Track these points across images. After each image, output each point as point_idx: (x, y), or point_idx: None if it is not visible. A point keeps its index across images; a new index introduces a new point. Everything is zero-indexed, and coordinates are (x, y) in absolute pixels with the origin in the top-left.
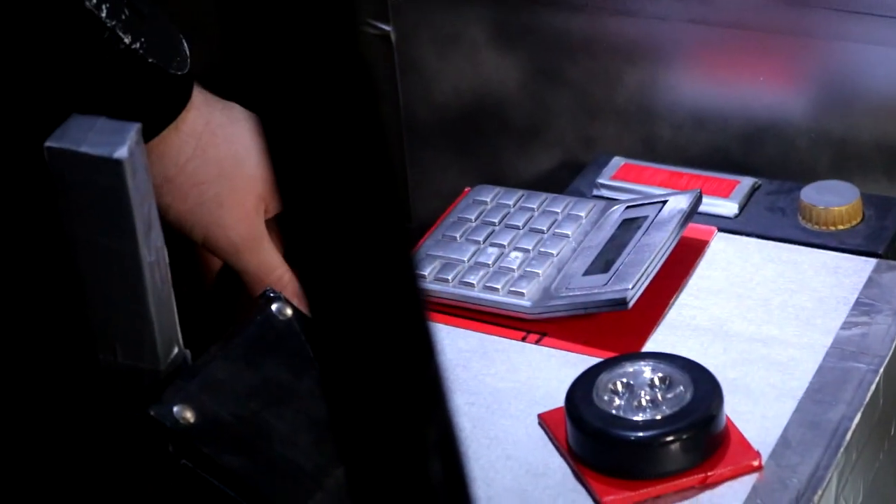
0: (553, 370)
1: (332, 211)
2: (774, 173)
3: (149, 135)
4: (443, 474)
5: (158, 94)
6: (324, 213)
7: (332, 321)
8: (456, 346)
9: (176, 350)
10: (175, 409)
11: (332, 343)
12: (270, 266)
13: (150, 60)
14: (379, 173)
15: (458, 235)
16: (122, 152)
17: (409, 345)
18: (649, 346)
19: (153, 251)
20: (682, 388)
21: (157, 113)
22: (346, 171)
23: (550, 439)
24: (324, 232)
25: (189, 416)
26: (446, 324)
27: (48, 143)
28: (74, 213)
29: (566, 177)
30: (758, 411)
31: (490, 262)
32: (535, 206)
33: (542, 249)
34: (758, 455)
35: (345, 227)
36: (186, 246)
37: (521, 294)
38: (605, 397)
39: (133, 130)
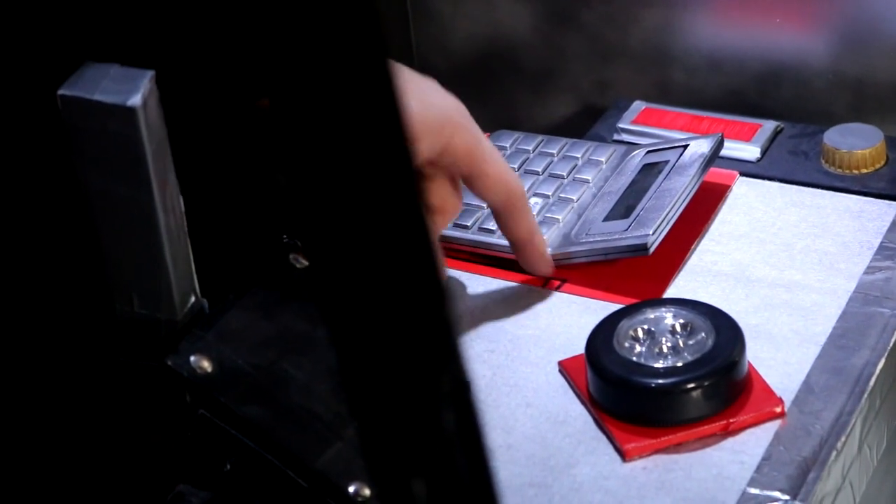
0: (574, 316)
1: (339, 156)
2: (791, 116)
3: None
4: (456, 425)
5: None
6: (330, 158)
7: (341, 270)
8: (476, 292)
9: (193, 299)
10: (192, 358)
11: (341, 293)
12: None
13: None
14: (386, 119)
15: None
16: (135, 100)
17: (420, 294)
18: (670, 291)
19: (169, 199)
20: (703, 334)
21: None
22: (353, 119)
23: (571, 386)
24: (331, 179)
25: (206, 365)
26: (466, 270)
27: (61, 91)
28: (89, 162)
29: (581, 121)
30: (780, 357)
31: None
32: (554, 152)
33: (561, 195)
34: (780, 401)
35: (353, 173)
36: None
37: None
38: (626, 344)
39: (147, 78)
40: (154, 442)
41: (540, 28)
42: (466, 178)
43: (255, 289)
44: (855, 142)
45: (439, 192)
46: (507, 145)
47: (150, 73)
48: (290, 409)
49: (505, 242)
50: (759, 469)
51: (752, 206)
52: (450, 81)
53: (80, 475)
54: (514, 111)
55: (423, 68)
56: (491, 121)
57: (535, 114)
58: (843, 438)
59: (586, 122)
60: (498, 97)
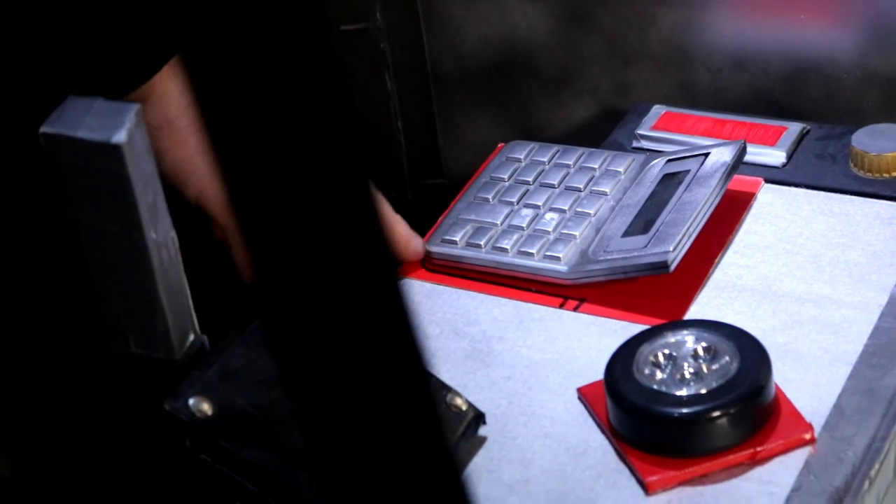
0: (593, 339)
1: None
2: (820, 115)
3: (149, 70)
4: None
5: (155, 27)
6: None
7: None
8: (490, 315)
9: (192, 337)
10: (191, 401)
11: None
12: None
13: None
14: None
15: (490, 196)
16: (120, 136)
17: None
18: (694, 309)
19: (161, 235)
20: (727, 358)
21: (156, 46)
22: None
23: (591, 414)
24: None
25: (206, 408)
26: (480, 291)
27: (43, 129)
28: (76, 200)
29: (601, 125)
30: (809, 378)
31: (524, 225)
32: (571, 163)
33: (578, 209)
34: (810, 427)
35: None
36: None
37: (558, 258)
38: (647, 371)
39: (132, 112)
40: (155, 488)
41: (556, 30)
42: None
43: (256, 324)
44: (885, 144)
45: None
46: (522, 157)
47: (135, 107)
48: (294, 450)
49: (520, 261)
50: (788, 500)
51: (777, 214)
52: (465, 87)
53: None
54: (532, 116)
55: (437, 74)
56: (508, 126)
57: (554, 118)
58: (876, 466)
59: (607, 125)
60: (515, 102)
